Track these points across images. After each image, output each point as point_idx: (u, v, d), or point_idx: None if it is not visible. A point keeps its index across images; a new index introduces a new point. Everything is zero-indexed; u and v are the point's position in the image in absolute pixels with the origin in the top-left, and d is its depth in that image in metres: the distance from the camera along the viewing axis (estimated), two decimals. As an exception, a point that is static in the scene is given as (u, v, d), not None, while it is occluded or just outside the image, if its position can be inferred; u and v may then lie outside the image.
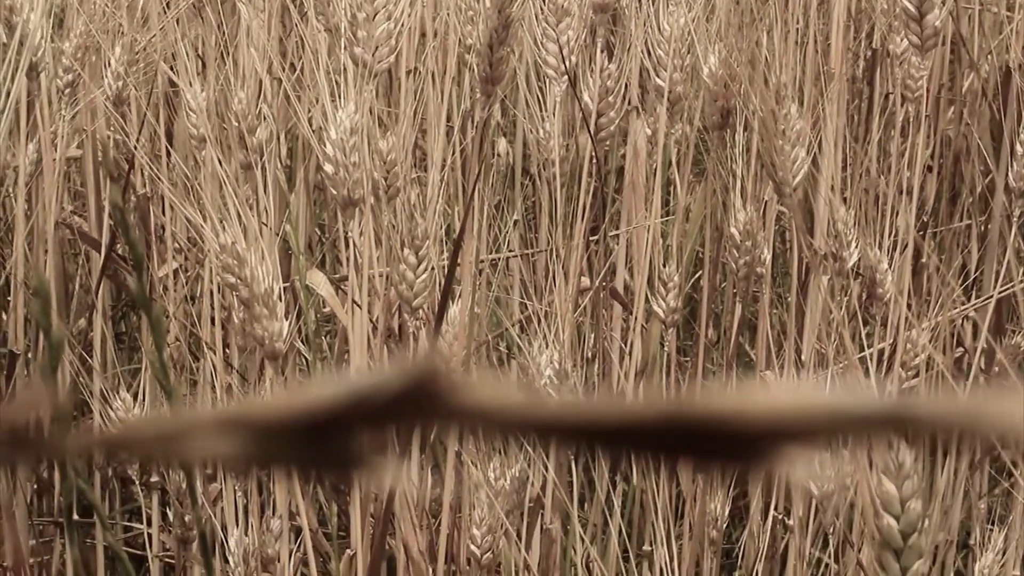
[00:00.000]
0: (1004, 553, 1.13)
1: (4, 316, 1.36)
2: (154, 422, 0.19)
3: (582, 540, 1.06)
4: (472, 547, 1.04)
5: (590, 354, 1.17)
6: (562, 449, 0.18)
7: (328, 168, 0.92)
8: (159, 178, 1.18)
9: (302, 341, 1.11)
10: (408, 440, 0.18)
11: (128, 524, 1.36)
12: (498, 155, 1.41)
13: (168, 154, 1.26)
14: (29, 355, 1.24)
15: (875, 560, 0.77)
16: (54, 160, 1.23)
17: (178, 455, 0.18)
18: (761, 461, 0.18)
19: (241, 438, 0.18)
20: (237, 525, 1.05)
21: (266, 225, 0.98)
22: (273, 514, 1.06)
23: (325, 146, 0.92)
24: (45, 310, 0.47)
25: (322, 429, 0.18)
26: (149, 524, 1.20)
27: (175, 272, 1.31)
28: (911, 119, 1.26)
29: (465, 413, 0.18)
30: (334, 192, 0.92)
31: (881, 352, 1.14)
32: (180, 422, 0.18)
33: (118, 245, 1.31)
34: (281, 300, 0.87)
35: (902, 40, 1.23)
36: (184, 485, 1.05)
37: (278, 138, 1.21)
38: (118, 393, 1.13)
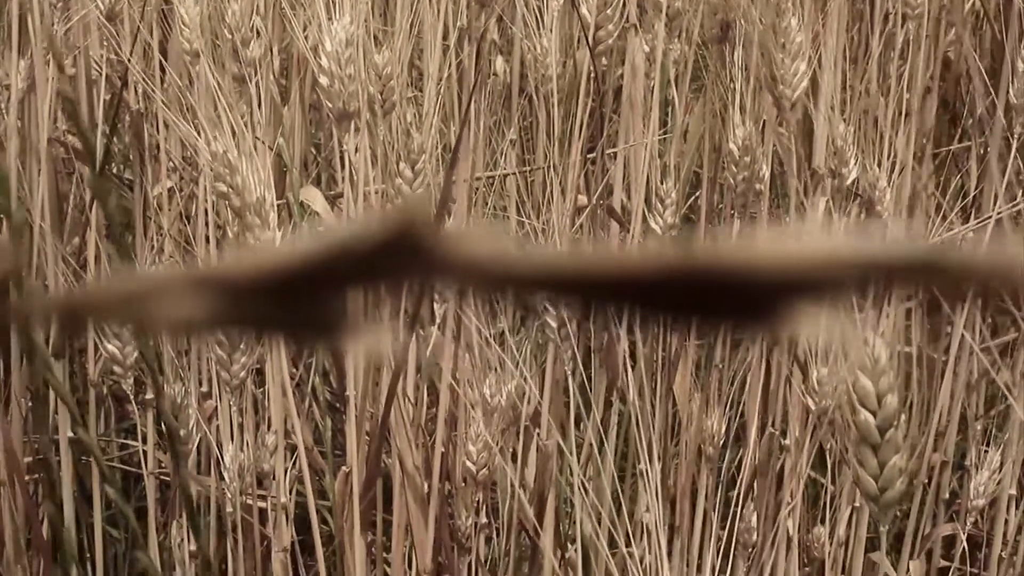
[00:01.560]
0: (1000, 469, 1.13)
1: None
2: (121, 282, 0.18)
3: (578, 458, 1.06)
4: (468, 463, 1.04)
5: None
6: (556, 304, 0.17)
7: (323, 80, 0.91)
8: (153, 93, 1.17)
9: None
10: (392, 298, 0.17)
11: (124, 442, 1.36)
12: (495, 74, 1.40)
13: (162, 69, 1.25)
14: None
15: (853, 456, 0.77)
16: (47, 79, 1.21)
17: (146, 317, 0.18)
18: (776, 316, 0.17)
19: (213, 298, 0.17)
20: (232, 441, 1.05)
21: (260, 140, 0.97)
22: (268, 430, 1.06)
23: (320, 59, 0.91)
24: (3, 190, 0.46)
25: (299, 286, 0.17)
26: (144, 442, 1.20)
27: (170, 191, 1.30)
28: (911, 39, 1.25)
29: (452, 265, 0.16)
30: (329, 105, 0.91)
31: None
32: (148, 282, 0.18)
33: (112, 163, 1.30)
34: (274, 210, 0.86)
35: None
36: (179, 399, 1.04)
37: (271, 51, 1.20)
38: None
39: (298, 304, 0.18)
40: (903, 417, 0.78)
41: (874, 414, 0.77)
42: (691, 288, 0.17)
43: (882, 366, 0.76)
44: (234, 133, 0.86)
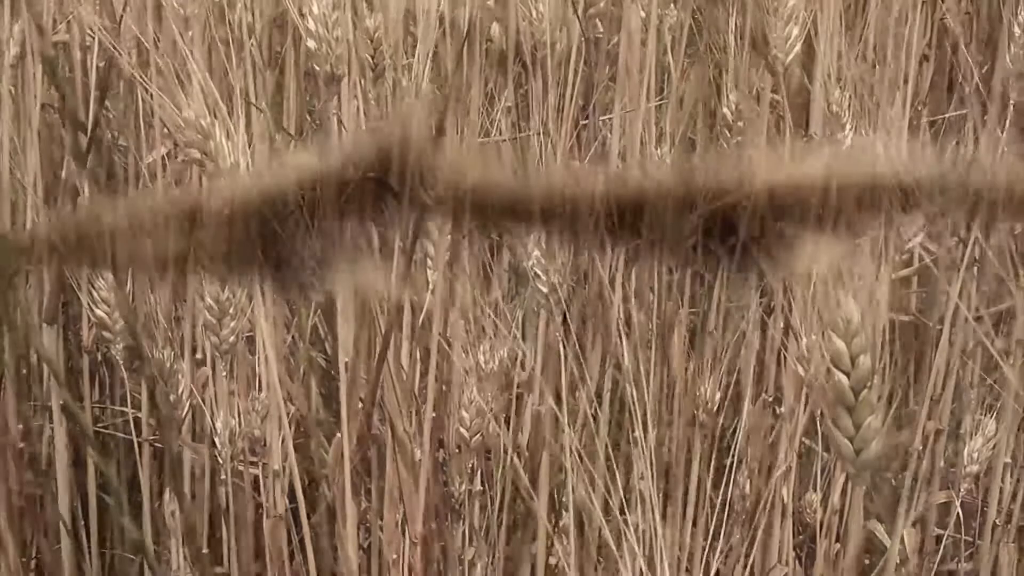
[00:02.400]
0: (996, 434, 1.12)
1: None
2: (106, 214, 0.17)
3: (572, 424, 1.05)
4: (461, 430, 1.04)
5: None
6: (550, 234, 0.16)
7: (311, 44, 0.91)
8: (146, 59, 1.16)
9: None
10: (385, 224, 0.17)
11: (120, 409, 1.36)
12: (490, 40, 1.39)
13: (157, 38, 1.25)
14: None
15: (829, 418, 0.76)
16: (40, 44, 1.21)
17: (130, 254, 0.17)
18: (780, 244, 0.16)
19: (202, 231, 0.17)
20: (224, 407, 1.05)
21: (254, 104, 0.97)
22: (260, 395, 1.05)
23: (307, 21, 0.91)
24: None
25: (288, 214, 0.16)
26: (138, 409, 1.19)
27: (163, 157, 1.30)
28: (909, 5, 1.24)
29: (448, 186, 0.16)
30: (317, 68, 0.91)
31: (875, 238, 1.13)
32: (130, 215, 0.17)
33: (106, 130, 1.30)
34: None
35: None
36: (169, 364, 1.04)
37: (255, 15, 1.19)
38: (102, 275, 1.12)
39: (287, 238, 0.17)
40: (876, 379, 0.77)
41: (847, 375, 0.76)
42: (692, 212, 0.16)
43: (855, 326, 0.75)
44: (204, 95, 0.85)
